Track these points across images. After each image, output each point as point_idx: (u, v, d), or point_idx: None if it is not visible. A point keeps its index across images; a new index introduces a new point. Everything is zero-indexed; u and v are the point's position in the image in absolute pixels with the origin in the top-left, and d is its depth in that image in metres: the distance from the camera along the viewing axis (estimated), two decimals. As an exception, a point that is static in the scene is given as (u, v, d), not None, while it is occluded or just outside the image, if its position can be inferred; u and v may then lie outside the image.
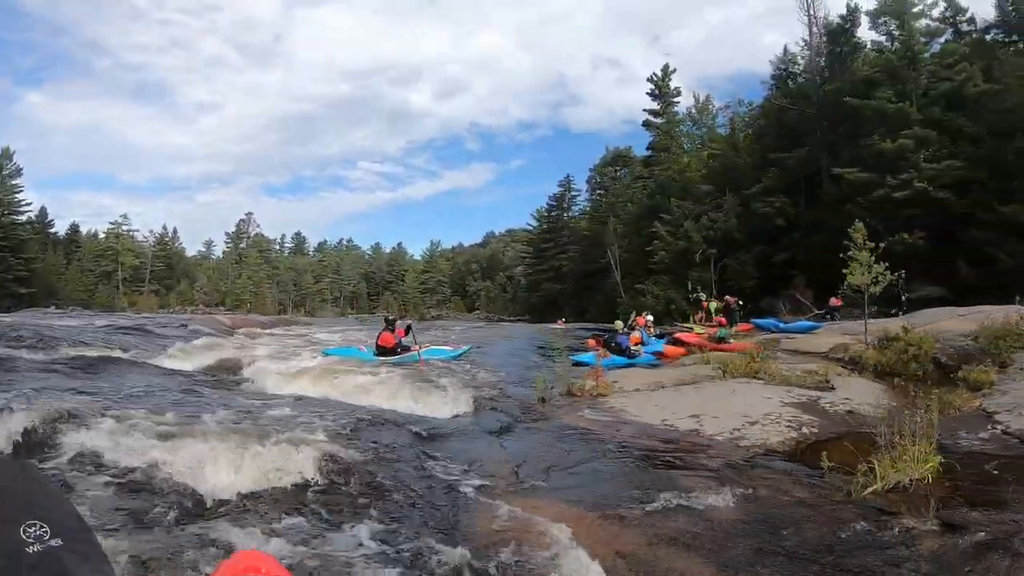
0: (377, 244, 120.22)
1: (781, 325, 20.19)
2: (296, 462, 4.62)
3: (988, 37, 30.45)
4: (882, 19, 30.41)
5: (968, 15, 30.65)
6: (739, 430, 6.13)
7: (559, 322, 42.78)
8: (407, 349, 13.21)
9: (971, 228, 25.06)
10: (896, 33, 29.97)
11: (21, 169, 65.24)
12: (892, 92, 28.07)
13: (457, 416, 7.54)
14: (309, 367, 10.78)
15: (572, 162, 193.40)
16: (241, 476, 4.40)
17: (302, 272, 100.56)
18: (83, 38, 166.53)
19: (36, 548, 1.18)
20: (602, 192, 59.19)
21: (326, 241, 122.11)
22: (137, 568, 3.03)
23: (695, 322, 26.22)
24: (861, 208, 26.87)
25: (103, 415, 5.14)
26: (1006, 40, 29.94)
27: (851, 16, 31.55)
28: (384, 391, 8.64)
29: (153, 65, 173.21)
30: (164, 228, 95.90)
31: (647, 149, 56.09)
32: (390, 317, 14.77)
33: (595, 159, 66.34)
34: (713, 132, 50.48)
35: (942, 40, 30.17)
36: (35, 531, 1.20)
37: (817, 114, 32.12)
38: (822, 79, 33.09)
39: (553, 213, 69.34)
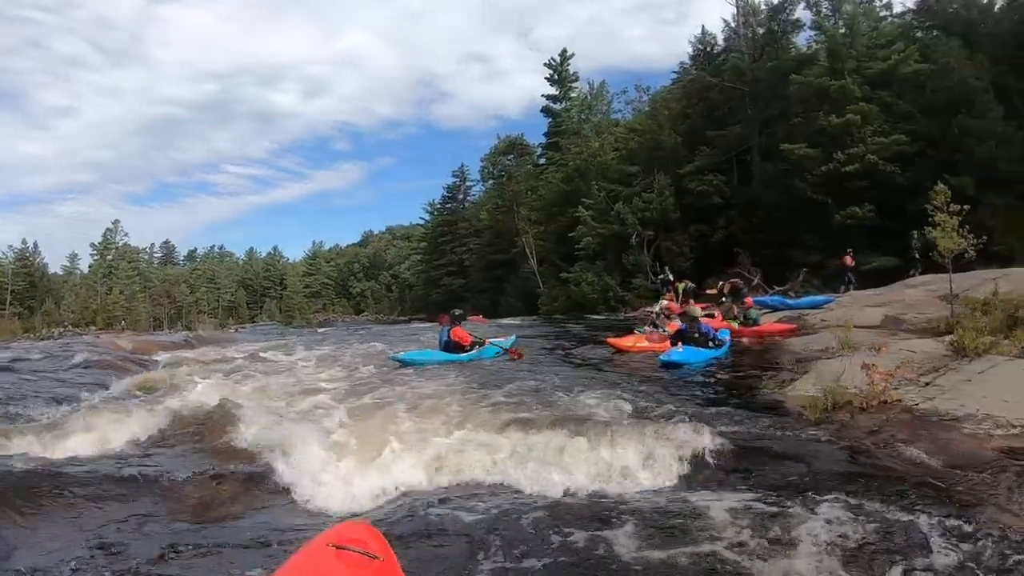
0: (251, 249, 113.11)
1: (789, 302, 18.89)
2: None
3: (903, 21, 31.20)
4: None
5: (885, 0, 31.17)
6: None
7: (478, 318, 40.35)
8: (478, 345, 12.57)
9: (919, 199, 24.87)
10: (825, 14, 29.89)
11: None
12: (826, 70, 27.98)
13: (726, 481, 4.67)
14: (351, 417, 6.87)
15: (441, 159, 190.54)
16: None
17: (175, 283, 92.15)
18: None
19: None
20: (502, 180, 57.06)
21: (196, 249, 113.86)
22: None
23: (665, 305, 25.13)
24: (808, 184, 26.66)
25: None
26: (921, 25, 30.59)
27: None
28: (529, 452, 5.31)
29: (2, 68, 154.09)
30: (24, 243, 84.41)
31: (544, 135, 54.98)
32: (457, 312, 13.33)
33: (465, 155, 65.01)
34: (608, 118, 49.77)
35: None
36: None
37: (751, 92, 31.60)
38: (754, 58, 32.65)
39: (448, 205, 66.59)
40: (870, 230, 26.27)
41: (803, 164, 27.21)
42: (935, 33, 27.69)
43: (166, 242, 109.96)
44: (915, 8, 31.24)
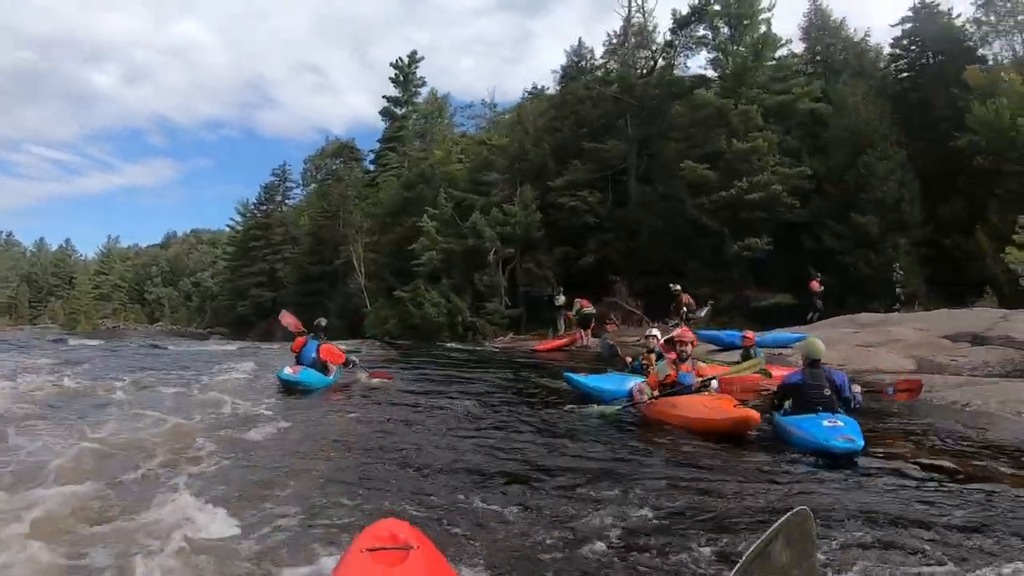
0: (41, 240, 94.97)
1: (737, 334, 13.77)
2: None
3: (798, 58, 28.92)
4: (718, 20, 26.50)
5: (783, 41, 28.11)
6: None
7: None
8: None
9: (822, 236, 21.71)
10: (723, 39, 26.21)
11: None
12: (728, 92, 24.33)
13: None
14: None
15: (258, 166, 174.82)
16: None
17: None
18: None
19: None
20: (327, 184, 49.08)
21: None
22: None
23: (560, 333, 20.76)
24: (703, 210, 22.72)
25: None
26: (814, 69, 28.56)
27: (699, 10, 26.83)
28: None
29: None
30: None
31: (379, 141, 48.18)
32: (323, 323, 10.81)
33: (281, 165, 56.60)
34: (448, 129, 44.57)
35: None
36: None
37: (635, 107, 27.33)
38: (642, 73, 28.56)
39: (264, 207, 56.65)
40: (760, 264, 22.64)
41: (698, 188, 23.06)
42: (842, 76, 25.32)
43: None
44: (802, 53, 29.05)
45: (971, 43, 26.16)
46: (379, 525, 2.47)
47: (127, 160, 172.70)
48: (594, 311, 18.75)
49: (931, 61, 26.21)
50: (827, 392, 5.90)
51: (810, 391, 5.96)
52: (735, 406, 6.37)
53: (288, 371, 9.41)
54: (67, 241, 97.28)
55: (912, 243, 21.16)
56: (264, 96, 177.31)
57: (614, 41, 31.05)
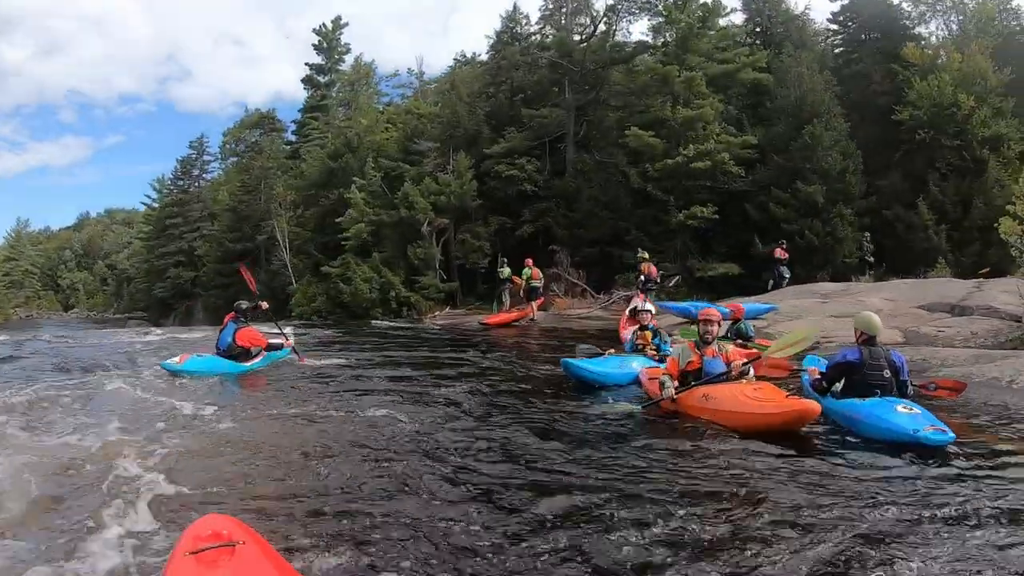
0: None
1: (725, 310, 12.44)
2: None
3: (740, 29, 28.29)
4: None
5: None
6: None
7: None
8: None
9: (767, 206, 20.89)
10: (671, 6, 24.72)
11: None
12: (672, 58, 23.12)
13: None
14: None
15: (175, 143, 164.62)
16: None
17: None
18: None
19: None
20: (248, 156, 45.87)
21: None
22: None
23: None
24: (648, 179, 21.68)
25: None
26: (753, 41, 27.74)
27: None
28: None
29: None
30: None
31: (300, 111, 45.28)
32: (244, 306, 9.52)
33: (198, 137, 52.82)
34: (374, 99, 42.79)
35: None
36: None
37: (574, 73, 25.94)
38: (584, 37, 27.19)
39: (180, 182, 52.72)
40: (704, 234, 21.82)
41: (639, 155, 22.01)
42: (784, 47, 24.68)
43: None
44: (743, 24, 28.41)
45: (907, 22, 25.99)
46: (201, 523, 2.26)
47: (38, 138, 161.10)
48: (541, 282, 17.52)
49: (868, 38, 25.83)
50: (887, 374, 5.16)
51: (869, 372, 5.19)
52: (787, 396, 5.29)
53: (174, 361, 8.72)
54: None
55: (855, 213, 20.68)
56: (183, 68, 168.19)
57: (550, 6, 29.34)
